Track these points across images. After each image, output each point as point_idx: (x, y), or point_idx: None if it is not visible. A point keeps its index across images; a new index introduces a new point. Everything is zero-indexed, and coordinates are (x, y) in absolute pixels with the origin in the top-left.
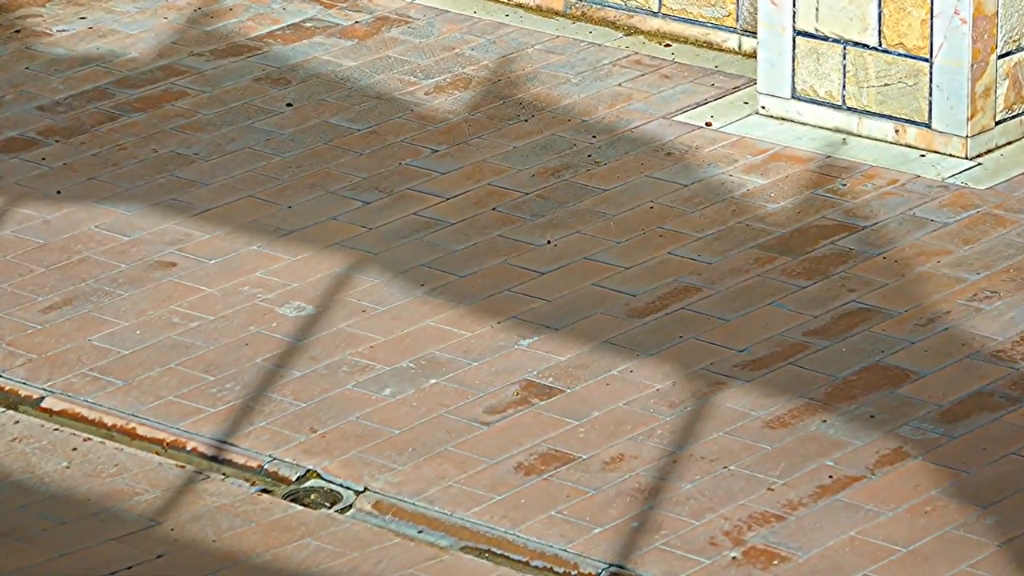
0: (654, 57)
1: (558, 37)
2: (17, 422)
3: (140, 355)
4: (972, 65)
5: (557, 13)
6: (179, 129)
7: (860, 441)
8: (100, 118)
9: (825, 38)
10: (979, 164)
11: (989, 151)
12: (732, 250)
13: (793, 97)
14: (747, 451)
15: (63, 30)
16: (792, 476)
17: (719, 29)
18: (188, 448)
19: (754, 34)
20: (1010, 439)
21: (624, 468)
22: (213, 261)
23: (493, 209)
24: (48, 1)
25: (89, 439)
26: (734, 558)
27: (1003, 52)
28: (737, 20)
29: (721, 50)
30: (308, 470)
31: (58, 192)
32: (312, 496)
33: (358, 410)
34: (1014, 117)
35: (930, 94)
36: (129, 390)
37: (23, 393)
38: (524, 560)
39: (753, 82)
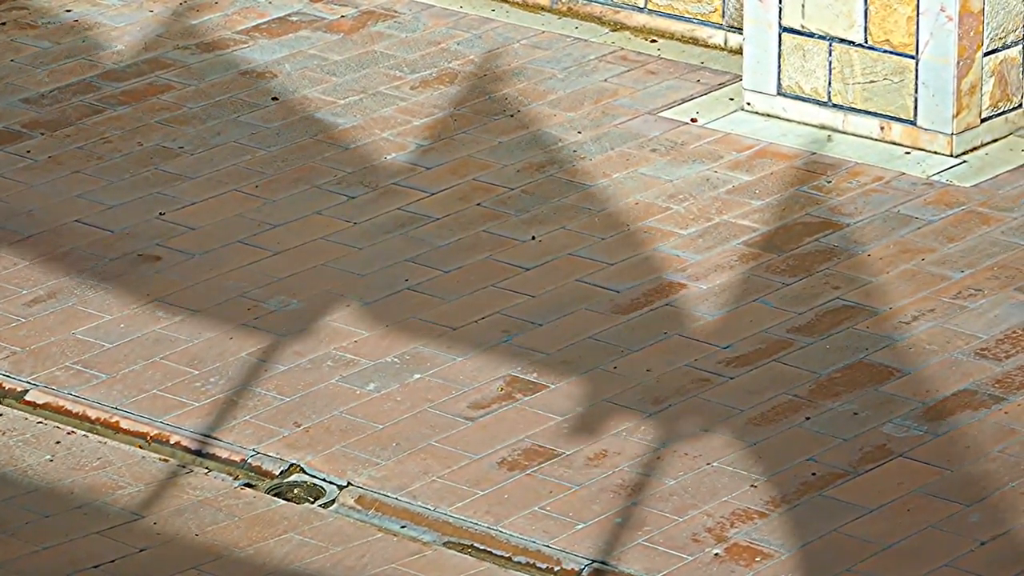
0: (640, 53)
1: (544, 32)
2: (0, 415)
3: (124, 348)
4: (958, 62)
5: (543, 8)
6: (164, 123)
7: (843, 438)
8: (85, 111)
9: (811, 35)
10: (964, 162)
11: (974, 148)
12: (717, 247)
13: (779, 94)
14: (730, 448)
15: (49, 23)
16: (775, 473)
17: (705, 25)
18: (172, 442)
19: (740, 30)
20: (993, 437)
21: (607, 464)
22: (198, 255)
23: (478, 204)
24: None
25: (73, 432)
26: (717, 555)
27: (989, 49)
28: (723, 16)
29: (707, 46)
30: (291, 464)
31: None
32: (295, 490)
33: (342, 405)
34: (1000, 115)
35: (916, 91)
36: (113, 383)
37: (7, 386)
38: (507, 556)
39: (739, 78)
